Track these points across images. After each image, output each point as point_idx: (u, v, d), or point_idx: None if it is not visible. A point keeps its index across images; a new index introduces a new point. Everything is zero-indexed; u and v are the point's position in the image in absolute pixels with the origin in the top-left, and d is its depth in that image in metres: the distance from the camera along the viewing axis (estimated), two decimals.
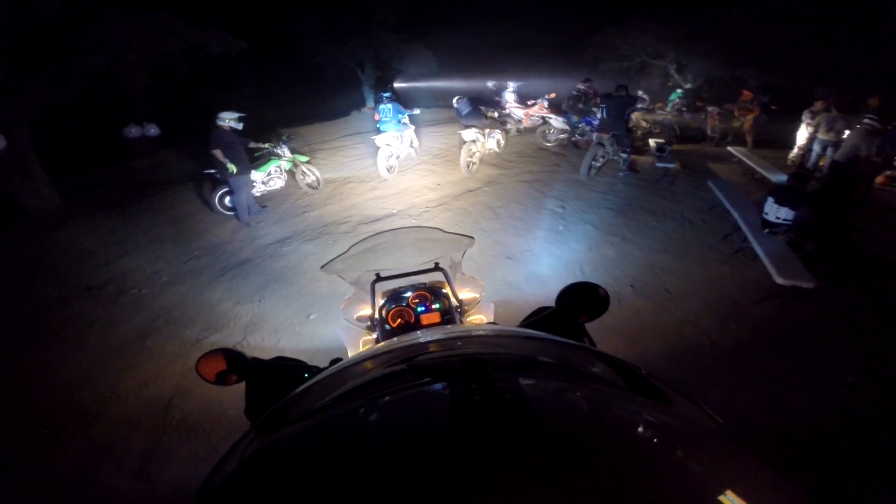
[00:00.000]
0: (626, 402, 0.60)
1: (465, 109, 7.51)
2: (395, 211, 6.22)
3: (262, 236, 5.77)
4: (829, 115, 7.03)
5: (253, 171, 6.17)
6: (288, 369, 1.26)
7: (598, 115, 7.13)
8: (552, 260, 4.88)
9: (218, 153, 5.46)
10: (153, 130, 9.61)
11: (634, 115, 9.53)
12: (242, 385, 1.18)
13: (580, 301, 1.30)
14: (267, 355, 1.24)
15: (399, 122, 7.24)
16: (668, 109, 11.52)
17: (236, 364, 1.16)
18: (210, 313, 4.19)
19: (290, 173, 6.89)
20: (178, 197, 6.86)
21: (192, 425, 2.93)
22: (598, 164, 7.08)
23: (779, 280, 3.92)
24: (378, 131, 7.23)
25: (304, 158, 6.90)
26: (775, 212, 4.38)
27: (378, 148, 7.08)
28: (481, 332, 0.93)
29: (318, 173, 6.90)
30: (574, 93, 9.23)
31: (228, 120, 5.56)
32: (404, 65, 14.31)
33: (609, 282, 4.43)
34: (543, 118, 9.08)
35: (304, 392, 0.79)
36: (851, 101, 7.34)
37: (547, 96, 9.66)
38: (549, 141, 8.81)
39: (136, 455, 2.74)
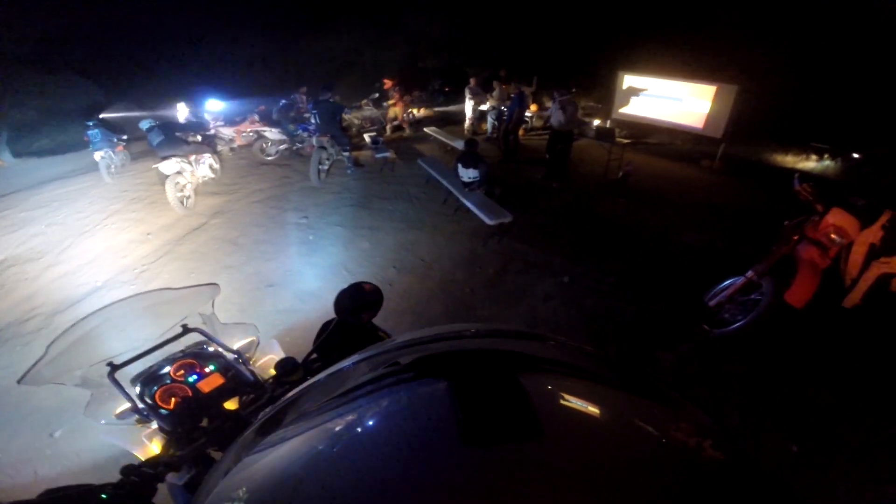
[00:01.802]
0: (625, 402, 0.60)
1: (158, 138, 6.30)
2: (99, 283, 4.76)
3: None
4: (504, 88, 9.14)
5: None
6: (72, 499, 0.92)
7: (313, 121, 7.25)
8: (316, 270, 4.80)
9: None
10: None
11: (346, 116, 10.15)
12: None
13: (354, 301, 1.33)
14: (29, 492, 0.85)
15: (111, 141, 7.84)
16: (370, 104, 12.74)
17: None
18: None
19: None
20: None
21: None
22: (325, 167, 7.27)
23: (489, 222, 5.08)
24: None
25: None
26: (466, 173, 5.58)
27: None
28: (480, 331, 0.84)
29: None
30: (283, 101, 9.06)
31: None
32: (55, 100, 10.74)
33: (375, 271, 4.73)
34: (257, 132, 8.57)
35: (302, 393, 0.75)
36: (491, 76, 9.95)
37: (257, 109, 9.16)
38: (269, 154, 8.42)
39: None
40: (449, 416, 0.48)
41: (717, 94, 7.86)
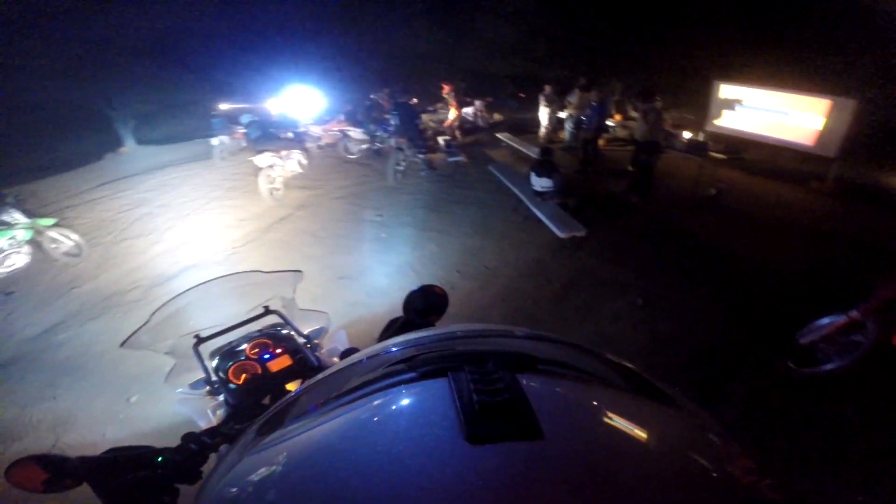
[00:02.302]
0: (626, 403, 0.60)
1: (256, 133, 6.97)
2: (194, 262, 5.33)
3: (22, 329, 4.29)
4: (583, 95, 8.57)
5: None
6: (131, 459, 1.03)
7: (392, 122, 7.55)
8: (385, 268, 4.98)
9: None
10: None
11: (424, 117, 10.41)
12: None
13: (425, 303, 1.37)
14: (95, 451, 0.98)
15: (229, 128, 8.56)
16: (445, 107, 12.94)
17: (60, 468, 0.95)
18: None
19: (36, 244, 5.16)
20: None
21: None
22: (402, 168, 7.52)
23: (561, 234, 4.94)
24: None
25: (50, 221, 5.24)
26: (539, 183, 5.47)
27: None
28: (480, 331, 0.88)
29: (76, 237, 5.33)
30: (367, 102, 9.55)
31: None
32: (168, 94, 12.19)
33: (440, 273, 4.81)
34: (342, 132, 9.10)
35: (303, 392, 0.76)
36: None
37: (343, 109, 9.72)
38: (352, 153, 8.90)
39: None
40: (450, 414, 0.48)
41: (830, 109, 6.94)
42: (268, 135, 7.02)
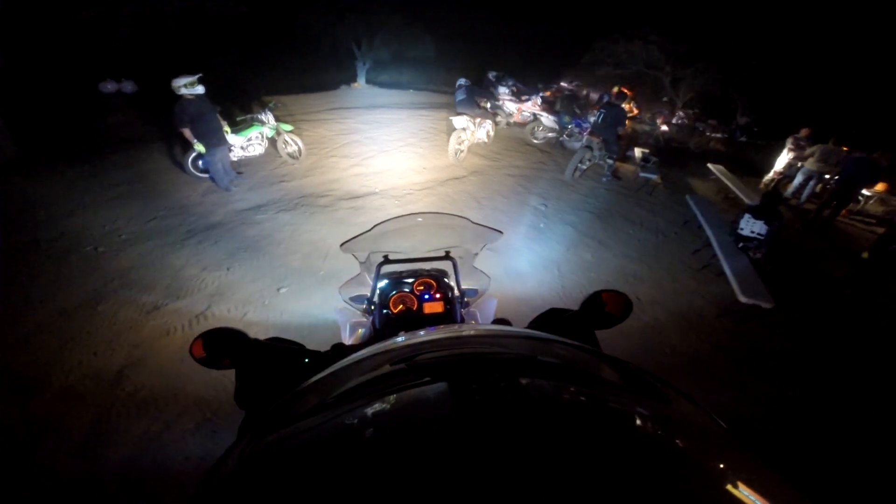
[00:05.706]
0: (626, 402, 0.60)
1: (461, 96, 7.42)
2: (377, 190, 6.06)
3: (235, 201, 5.48)
4: (826, 147, 7.21)
5: (233, 136, 5.88)
6: (286, 353, 1.18)
7: (593, 120, 7.17)
8: (532, 256, 4.88)
9: (186, 132, 5.02)
10: (129, 87, 8.98)
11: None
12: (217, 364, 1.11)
13: (603, 308, 1.26)
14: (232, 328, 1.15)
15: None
16: (655, 120, 11.71)
17: (235, 344, 1.09)
18: (172, 278, 3.94)
19: (272, 141, 6.59)
20: (148, 155, 6.45)
21: (144, 400, 2.73)
22: (584, 168, 7.14)
23: (741, 298, 4.07)
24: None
25: (288, 127, 6.61)
26: (751, 226, 4.57)
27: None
28: (482, 332, 0.90)
29: (300, 143, 6.63)
30: (568, 93, 9.25)
31: (186, 86, 4.86)
32: (402, 46, 13.78)
33: (584, 284, 4.50)
34: (535, 115, 9.05)
35: (304, 389, 0.79)
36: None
37: (541, 93, 9.63)
38: (536, 138, 8.82)
39: (79, 431, 2.51)
40: (450, 418, 0.49)
41: None
42: (471, 100, 7.38)
